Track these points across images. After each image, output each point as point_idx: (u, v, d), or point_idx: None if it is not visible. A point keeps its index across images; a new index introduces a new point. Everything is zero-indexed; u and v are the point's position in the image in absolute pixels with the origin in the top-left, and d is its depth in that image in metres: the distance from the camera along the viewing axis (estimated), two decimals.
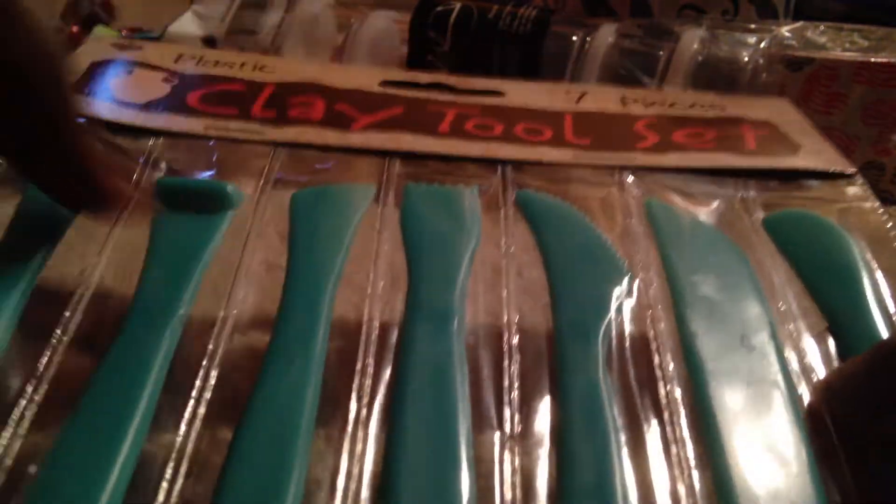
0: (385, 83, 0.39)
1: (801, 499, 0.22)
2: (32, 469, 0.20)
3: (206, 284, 0.27)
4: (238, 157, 0.33)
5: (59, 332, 0.24)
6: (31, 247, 0.27)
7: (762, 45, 0.45)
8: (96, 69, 0.38)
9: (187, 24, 0.48)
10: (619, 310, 0.27)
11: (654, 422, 0.24)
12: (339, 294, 0.27)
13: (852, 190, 0.34)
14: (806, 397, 0.25)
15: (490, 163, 0.34)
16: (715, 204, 0.33)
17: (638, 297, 0.28)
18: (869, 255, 0.31)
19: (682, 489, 0.22)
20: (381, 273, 0.28)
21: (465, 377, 0.24)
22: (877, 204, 0.33)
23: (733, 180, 0.35)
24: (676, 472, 0.22)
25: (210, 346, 0.24)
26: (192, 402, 0.23)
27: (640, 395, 0.25)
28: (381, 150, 0.34)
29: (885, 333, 0.27)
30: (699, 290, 0.28)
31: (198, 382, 0.23)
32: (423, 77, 0.40)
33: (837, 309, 0.28)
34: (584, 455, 0.22)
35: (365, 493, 0.21)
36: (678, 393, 0.25)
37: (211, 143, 0.34)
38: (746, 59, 0.45)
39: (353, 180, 0.33)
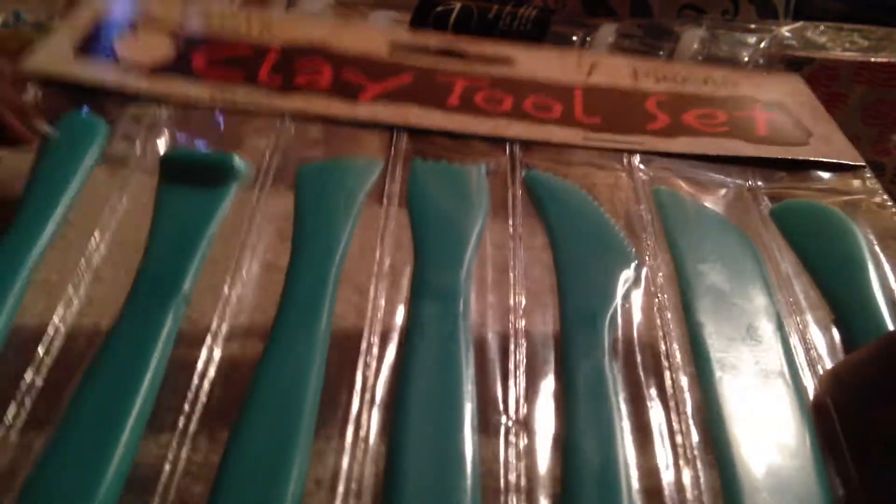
0: (394, 47, 0.39)
1: (804, 489, 0.22)
2: (29, 465, 0.20)
3: (209, 262, 0.26)
4: (245, 127, 0.33)
5: (58, 316, 0.24)
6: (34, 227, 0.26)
7: (762, 45, 0.45)
8: (101, 25, 0.37)
9: None
10: (627, 297, 0.27)
11: (660, 410, 0.24)
12: (346, 269, 0.27)
13: (860, 182, 0.34)
14: (811, 388, 0.25)
15: (498, 141, 0.34)
16: (723, 192, 0.33)
17: (645, 285, 0.28)
18: (877, 248, 0.31)
19: (686, 478, 0.22)
20: (387, 250, 0.27)
21: (471, 361, 0.24)
22: (885, 197, 0.33)
23: (742, 169, 0.34)
24: (681, 460, 0.22)
25: (213, 325, 0.24)
26: (190, 394, 0.22)
27: (647, 383, 0.24)
28: (388, 123, 0.34)
29: (891, 325, 0.27)
30: (707, 279, 0.28)
31: (197, 373, 0.23)
32: (433, 40, 0.40)
33: (844, 300, 0.28)
34: (589, 440, 0.22)
35: (367, 482, 0.21)
36: (684, 382, 0.24)
37: (217, 112, 0.33)
38: (746, 59, 0.45)
39: (360, 154, 0.32)
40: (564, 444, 0.22)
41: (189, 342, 0.23)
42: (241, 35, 0.38)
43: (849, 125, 0.43)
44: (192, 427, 0.21)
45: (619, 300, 0.27)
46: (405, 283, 0.26)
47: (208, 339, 0.24)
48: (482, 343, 0.25)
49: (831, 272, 0.29)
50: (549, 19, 0.47)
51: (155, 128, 0.32)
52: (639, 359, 0.25)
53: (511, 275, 0.27)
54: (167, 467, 0.20)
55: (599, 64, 0.40)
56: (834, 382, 0.25)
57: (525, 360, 0.24)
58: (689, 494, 0.21)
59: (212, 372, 0.23)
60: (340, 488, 0.20)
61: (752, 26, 0.48)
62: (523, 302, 0.26)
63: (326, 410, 0.22)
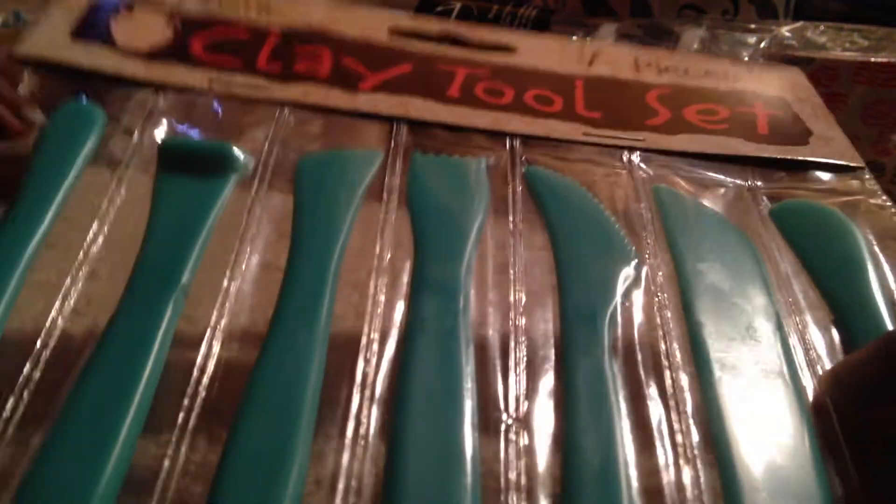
0: (394, 32, 0.38)
1: (804, 489, 0.22)
2: (26, 462, 0.20)
3: (207, 257, 0.26)
4: (244, 118, 0.32)
5: (56, 307, 0.24)
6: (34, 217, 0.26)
7: (762, 45, 0.45)
8: (96, 6, 0.36)
9: None
10: (627, 295, 0.27)
11: (660, 409, 0.24)
12: (345, 264, 0.26)
13: (860, 183, 0.34)
14: (811, 388, 0.25)
15: (499, 135, 0.34)
16: (722, 192, 0.33)
17: (646, 284, 0.28)
18: (876, 248, 0.31)
19: (686, 477, 0.22)
20: (387, 245, 0.27)
21: (471, 358, 0.24)
22: (884, 197, 0.33)
23: (742, 168, 0.34)
24: (681, 459, 0.22)
25: (212, 322, 0.24)
26: (188, 392, 0.22)
27: (647, 382, 0.24)
28: (388, 115, 0.33)
29: (890, 325, 0.27)
30: (707, 278, 0.28)
31: (196, 371, 0.23)
32: (434, 26, 0.39)
33: (844, 301, 0.28)
34: (589, 439, 0.22)
35: (368, 479, 0.21)
36: (684, 381, 0.24)
37: (215, 100, 0.33)
38: (746, 58, 0.45)
39: (360, 145, 0.32)
40: (564, 442, 0.22)
41: (188, 340, 0.23)
42: (240, 16, 0.37)
43: (849, 125, 0.43)
44: (191, 426, 0.21)
45: (619, 299, 0.27)
46: (405, 278, 0.26)
47: (207, 337, 0.23)
48: (482, 341, 0.25)
49: (831, 272, 0.29)
50: (549, 19, 0.47)
51: (153, 116, 0.31)
52: (639, 357, 0.25)
53: (511, 272, 0.27)
54: (166, 466, 0.20)
55: (601, 53, 0.40)
56: (833, 382, 0.25)
57: (525, 358, 0.24)
58: (689, 494, 0.21)
59: (210, 370, 0.23)
60: (340, 487, 0.20)
61: (752, 26, 0.48)
62: (523, 300, 0.26)
63: (326, 408, 0.22)
